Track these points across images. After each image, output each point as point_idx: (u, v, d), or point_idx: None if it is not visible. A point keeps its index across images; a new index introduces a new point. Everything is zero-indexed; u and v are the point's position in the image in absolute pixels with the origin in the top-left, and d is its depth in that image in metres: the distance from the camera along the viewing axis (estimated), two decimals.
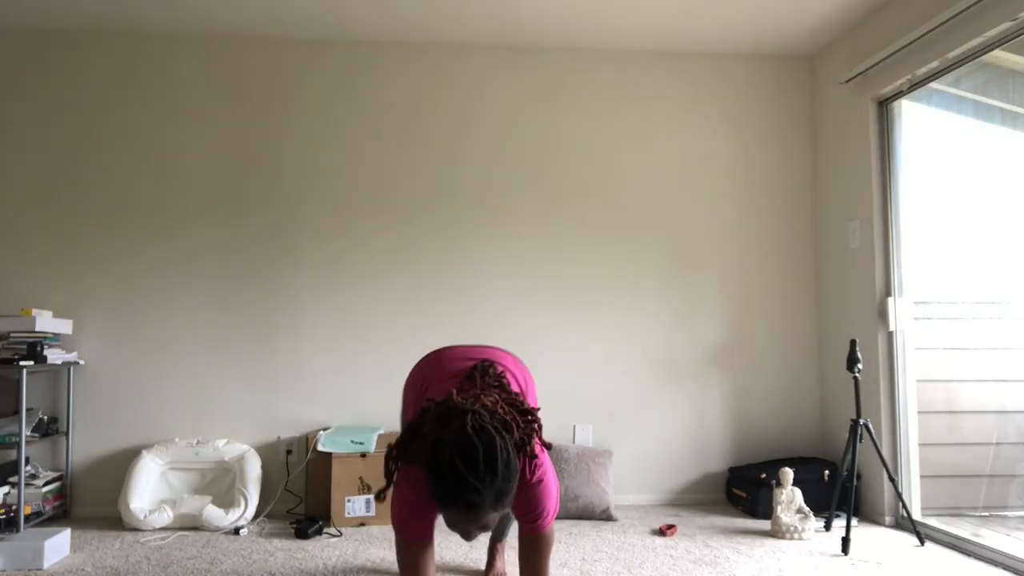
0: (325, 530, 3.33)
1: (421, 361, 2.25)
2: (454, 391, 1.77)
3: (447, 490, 1.61)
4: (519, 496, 1.83)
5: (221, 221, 3.84)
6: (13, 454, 3.57)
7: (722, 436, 4.02)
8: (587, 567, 2.84)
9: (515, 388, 2.03)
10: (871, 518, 3.59)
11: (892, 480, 3.21)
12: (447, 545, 3.12)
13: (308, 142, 3.91)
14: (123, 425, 3.72)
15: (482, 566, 2.84)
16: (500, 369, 2.05)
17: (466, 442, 1.62)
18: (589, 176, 4.04)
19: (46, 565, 2.79)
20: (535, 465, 1.84)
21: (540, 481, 1.87)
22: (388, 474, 1.84)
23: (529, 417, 1.81)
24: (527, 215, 3.99)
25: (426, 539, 1.90)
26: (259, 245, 3.85)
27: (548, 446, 1.88)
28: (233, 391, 3.79)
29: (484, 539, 3.19)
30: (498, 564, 2.74)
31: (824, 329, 4.05)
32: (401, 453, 1.83)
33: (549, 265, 3.98)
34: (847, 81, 3.73)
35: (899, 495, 3.26)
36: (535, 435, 1.79)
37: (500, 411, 1.73)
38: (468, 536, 1.72)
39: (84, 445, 3.69)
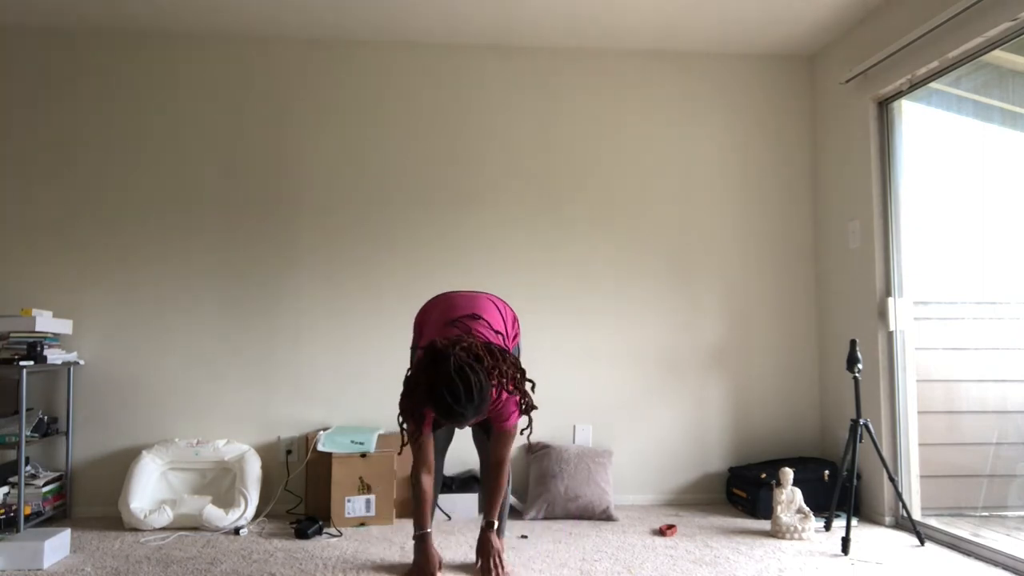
0: (325, 530, 3.33)
1: (427, 303, 2.83)
2: (436, 340, 2.40)
3: (443, 413, 2.30)
4: (492, 407, 2.52)
5: (221, 221, 3.84)
6: (13, 454, 3.57)
7: (722, 436, 4.02)
8: (587, 567, 2.85)
9: (492, 339, 2.61)
10: (871, 518, 3.59)
11: (892, 480, 3.21)
12: (447, 545, 3.12)
13: (307, 142, 3.91)
14: (123, 425, 3.72)
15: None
16: (480, 330, 2.63)
17: (452, 384, 2.27)
18: (589, 176, 4.04)
19: (46, 565, 2.79)
20: (501, 391, 2.47)
21: (505, 399, 2.54)
22: (403, 432, 2.55)
23: (500, 355, 2.43)
24: (526, 215, 3.99)
25: (425, 430, 2.60)
26: (259, 244, 3.85)
27: (523, 393, 2.50)
28: (233, 391, 3.79)
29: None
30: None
31: (824, 329, 4.05)
32: (406, 408, 2.49)
33: (549, 265, 3.98)
34: (847, 81, 3.73)
35: (899, 495, 3.26)
36: (508, 376, 2.42)
37: (474, 349, 2.37)
38: (460, 427, 2.45)
39: (84, 445, 3.69)
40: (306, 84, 3.93)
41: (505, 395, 2.50)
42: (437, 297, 2.83)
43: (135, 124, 3.83)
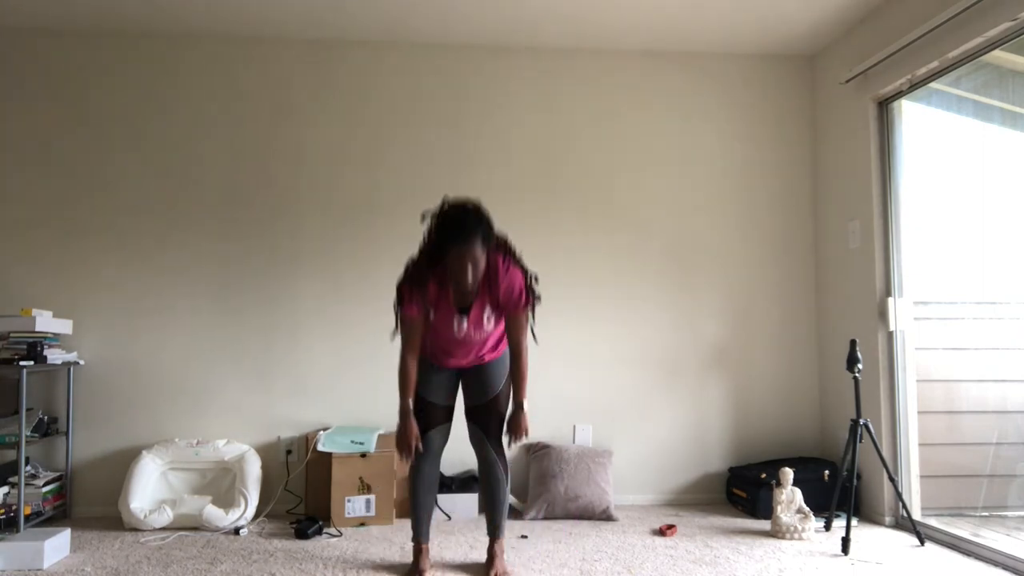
0: (325, 530, 3.33)
1: None
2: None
3: (454, 233, 2.41)
4: (503, 287, 2.60)
5: (221, 221, 3.84)
6: (13, 454, 3.57)
7: (722, 436, 4.02)
8: (587, 567, 2.85)
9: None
10: (871, 518, 3.60)
11: (892, 480, 3.21)
12: (447, 545, 3.12)
13: (306, 141, 3.91)
14: (123, 425, 3.72)
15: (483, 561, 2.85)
16: None
17: (463, 204, 2.50)
18: (589, 176, 4.04)
19: (46, 565, 2.80)
20: (505, 260, 2.61)
21: (513, 275, 2.63)
22: (397, 316, 2.64)
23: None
24: (527, 215, 3.99)
25: (419, 317, 2.64)
26: (259, 244, 3.85)
27: (523, 270, 2.67)
28: (233, 391, 3.79)
29: (484, 542, 3.19)
30: (498, 564, 2.74)
31: (824, 329, 4.05)
32: (414, 269, 2.60)
33: (549, 266, 3.98)
34: (847, 81, 3.73)
35: (899, 495, 3.26)
36: (511, 249, 2.64)
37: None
38: (465, 278, 2.45)
39: (84, 445, 3.69)
40: (306, 84, 3.93)
41: (511, 269, 2.63)
42: None
43: (135, 124, 3.83)
